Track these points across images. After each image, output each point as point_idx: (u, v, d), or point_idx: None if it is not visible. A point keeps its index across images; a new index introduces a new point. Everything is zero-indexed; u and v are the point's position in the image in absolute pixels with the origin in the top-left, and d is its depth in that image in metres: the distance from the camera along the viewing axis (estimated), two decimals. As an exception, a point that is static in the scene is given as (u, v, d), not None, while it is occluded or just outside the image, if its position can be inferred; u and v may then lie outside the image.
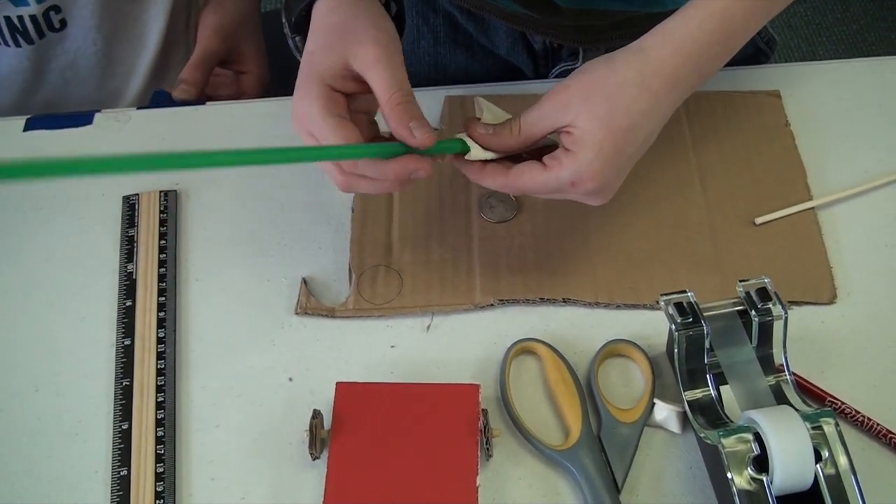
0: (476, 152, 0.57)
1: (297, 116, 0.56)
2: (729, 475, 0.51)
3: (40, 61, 0.86)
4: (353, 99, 0.56)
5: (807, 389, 0.60)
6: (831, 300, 0.64)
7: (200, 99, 0.79)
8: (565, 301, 0.64)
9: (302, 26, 0.59)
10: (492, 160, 0.57)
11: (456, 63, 0.84)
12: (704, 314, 0.56)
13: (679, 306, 0.56)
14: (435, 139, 0.54)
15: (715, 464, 0.55)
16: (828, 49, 1.82)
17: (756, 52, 0.81)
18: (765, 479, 0.51)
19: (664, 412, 0.59)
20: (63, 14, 0.83)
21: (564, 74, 0.65)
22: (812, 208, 0.68)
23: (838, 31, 1.85)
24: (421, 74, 0.83)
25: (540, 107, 0.56)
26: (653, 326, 0.62)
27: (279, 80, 0.91)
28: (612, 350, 0.62)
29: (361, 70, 0.54)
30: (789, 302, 0.64)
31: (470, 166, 0.58)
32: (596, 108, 0.54)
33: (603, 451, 0.57)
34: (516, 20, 0.76)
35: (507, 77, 0.81)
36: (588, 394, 0.60)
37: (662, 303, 0.57)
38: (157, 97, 0.81)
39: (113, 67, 0.88)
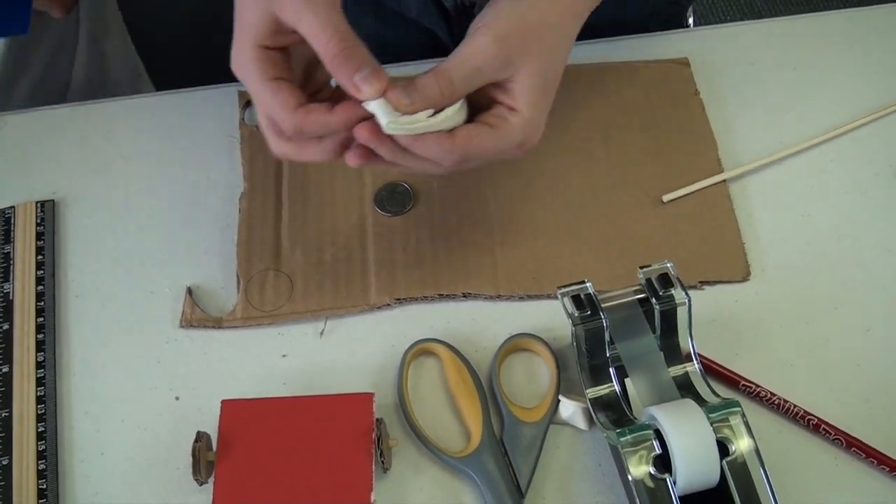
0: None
1: (240, 79, 0.51)
2: (629, 477, 0.48)
3: None
4: (293, 50, 0.52)
5: (720, 374, 0.57)
6: (745, 278, 0.61)
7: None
8: (465, 296, 0.61)
9: None
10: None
11: (365, 30, 0.78)
12: (604, 305, 0.53)
13: (577, 299, 0.53)
14: (386, 82, 0.47)
15: (621, 461, 0.52)
16: (766, 1, 1.78)
17: (674, 5, 0.78)
18: (667, 479, 0.48)
19: (570, 409, 0.56)
20: None
21: None
22: (724, 181, 0.65)
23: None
24: None
25: (474, 60, 0.50)
26: (558, 317, 0.59)
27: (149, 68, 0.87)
28: (515, 345, 0.59)
29: (292, 23, 0.49)
30: (701, 282, 0.61)
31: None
32: (534, 62, 0.51)
33: (506, 455, 0.54)
34: None
35: (421, 44, 0.77)
36: (490, 394, 0.57)
37: (559, 295, 0.54)
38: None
39: None
